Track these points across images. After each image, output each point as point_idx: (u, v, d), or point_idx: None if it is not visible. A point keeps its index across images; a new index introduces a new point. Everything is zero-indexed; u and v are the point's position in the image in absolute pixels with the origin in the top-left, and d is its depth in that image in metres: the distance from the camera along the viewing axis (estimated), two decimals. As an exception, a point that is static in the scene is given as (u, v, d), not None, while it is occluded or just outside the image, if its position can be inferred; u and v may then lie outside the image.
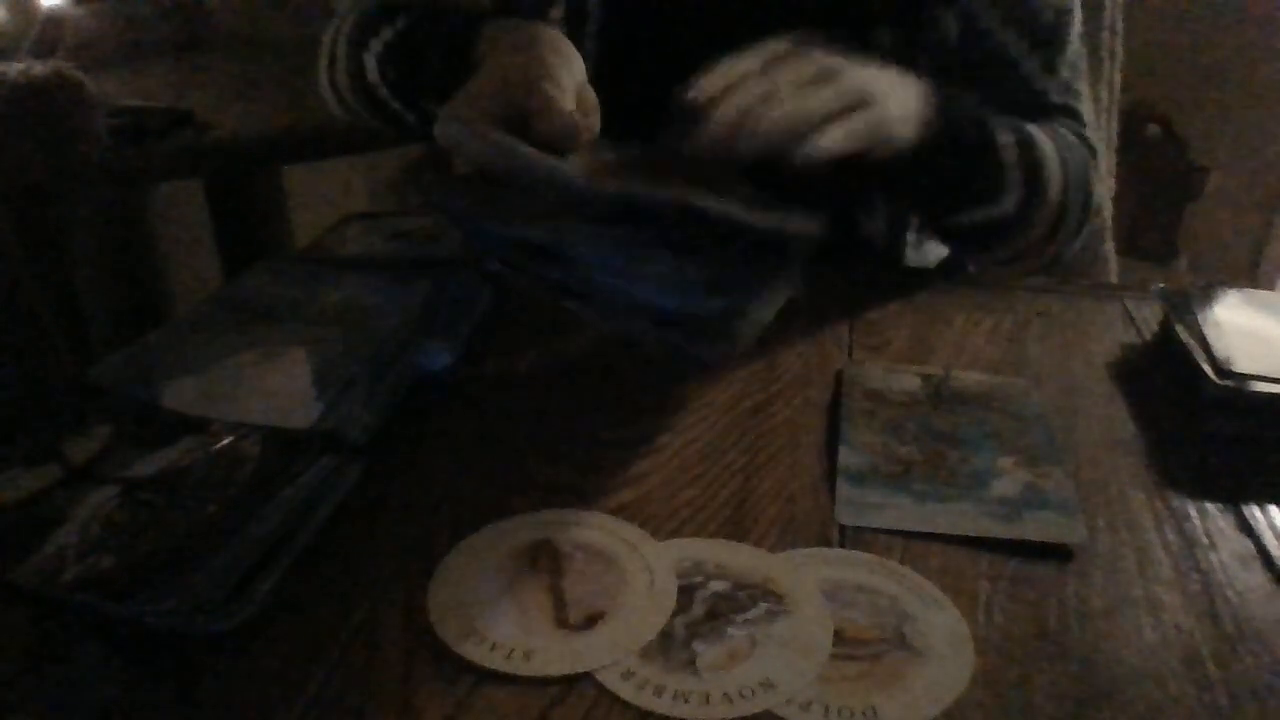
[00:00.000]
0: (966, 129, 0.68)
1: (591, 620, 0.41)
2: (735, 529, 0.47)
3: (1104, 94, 1.05)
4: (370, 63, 0.72)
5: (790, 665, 0.39)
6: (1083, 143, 0.78)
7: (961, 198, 0.70)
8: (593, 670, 0.38)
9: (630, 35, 0.77)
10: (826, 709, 0.37)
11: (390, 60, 0.71)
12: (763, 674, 0.38)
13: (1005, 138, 0.69)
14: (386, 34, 0.71)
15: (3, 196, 1.13)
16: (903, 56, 0.70)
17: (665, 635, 0.40)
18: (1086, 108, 0.81)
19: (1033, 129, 0.72)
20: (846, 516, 0.47)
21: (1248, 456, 0.54)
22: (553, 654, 0.39)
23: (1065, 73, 0.79)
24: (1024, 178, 0.69)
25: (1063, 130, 0.77)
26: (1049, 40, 0.78)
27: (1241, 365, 0.56)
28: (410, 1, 0.73)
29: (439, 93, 0.60)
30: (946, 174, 0.67)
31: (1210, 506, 0.49)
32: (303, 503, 0.46)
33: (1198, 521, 0.48)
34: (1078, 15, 0.79)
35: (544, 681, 0.38)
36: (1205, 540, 0.47)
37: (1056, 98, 0.79)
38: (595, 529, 0.46)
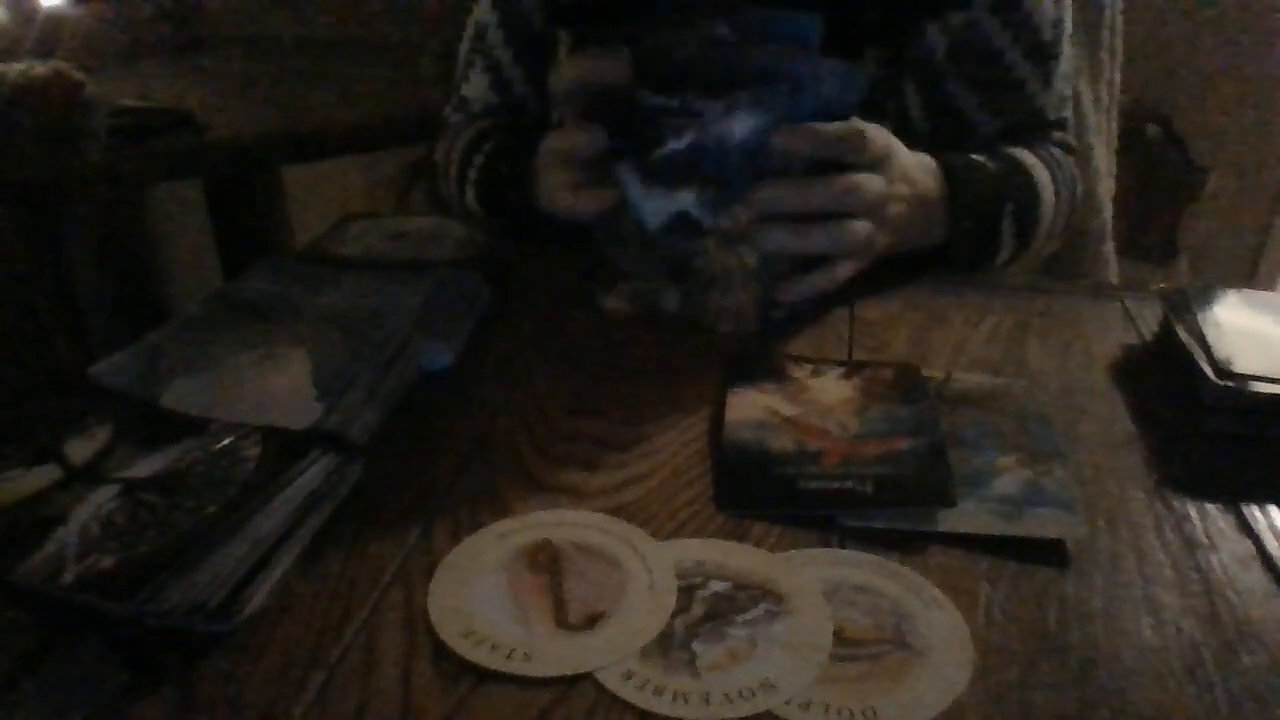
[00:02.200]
0: (979, 225, 0.75)
1: (591, 620, 0.41)
2: (735, 529, 0.47)
3: (1104, 94, 1.05)
4: (470, 196, 0.85)
5: (790, 665, 0.39)
6: (1069, 152, 0.86)
7: (956, 267, 0.77)
8: (593, 670, 0.38)
9: None
10: (826, 709, 0.37)
11: (480, 194, 0.84)
12: (763, 674, 0.38)
13: (1008, 216, 0.76)
14: (473, 174, 0.84)
15: (3, 196, 1.13)
16: (886, 75, 0.75)
17: (665, 635, 0.40)
18: (1070, 105, 0.88)
19: (1033, 171, 0.79)
20: (845, 516, 0.47)
21: (1248, 456, 0.54)
22: (553, 654, 0.39)
23: (1059, 84, 0.84)
24: (1017, 244, 0.78)
25: (1056, 152, 0.84)
26: (1048, 56, 0.81)
27: (1241, 365, 0.56)
28: (496, 126, 0.87)
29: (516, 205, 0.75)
30: (947, 260, 0.75)
31: (1210, 506, 0.49)
32: (303, 503, 0.46)
33: (1198, 521, 0.48)
34: (1068, 23, 0.82)
35: (544, 681, 0.38)
36: (1205, 540, 0.47)
37: (1052, 113, 0.85)
38: (595, 529, 0.46)
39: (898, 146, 0.68)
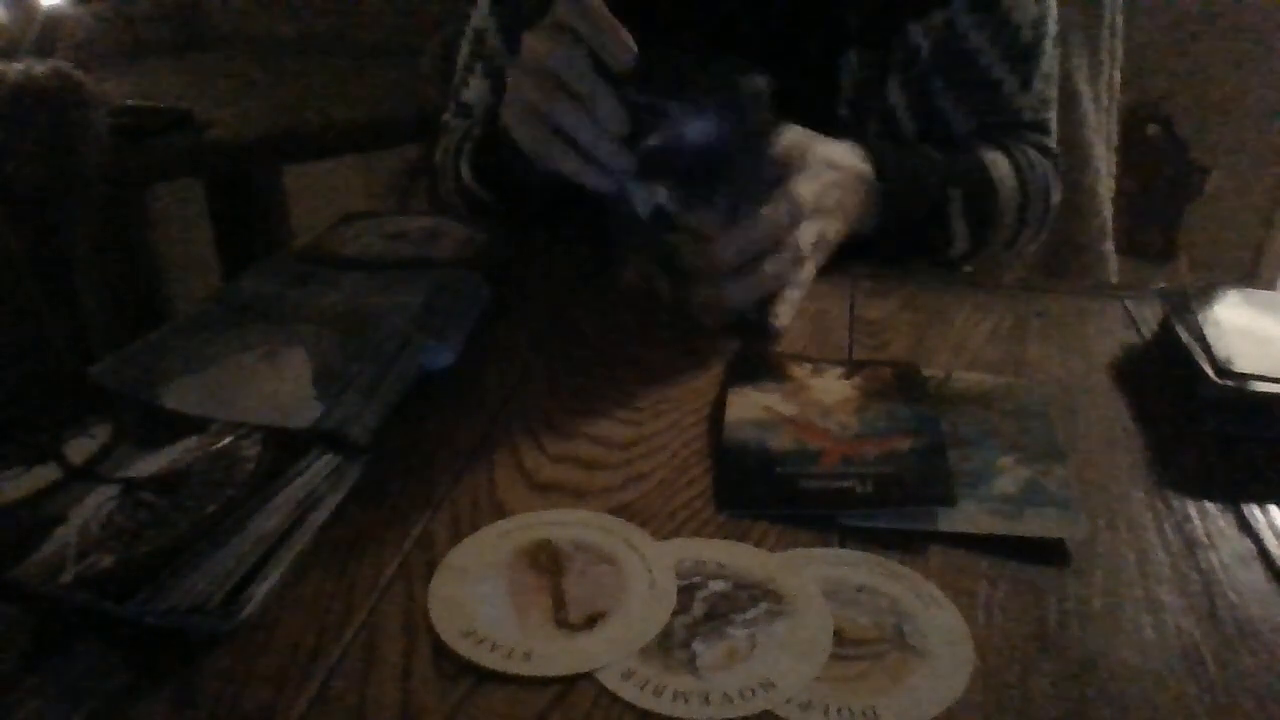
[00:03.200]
0: (916, 206, 0.75)
1: (591, 620, 0.41)
2: (735, 529, 0.47)
3: (1104, 94, 1.05)
4: (464, 168, 0.84)
5: (790, 665, 0.39)
6: (1046, 154, 0.85)
7: (909, 254, 0.77)
8: (593, 670, 0.38)
9: None
10: (826, 709, 0.37)
11: (477, 165, 0.83)
12: (763, 674, 0.38)
13: (955, 200, 0.76)
14: (469, 146, 0.84)
15: (3, 196, 1.13)
16: (871, 76, 0.75)
17: (665, 635, 0.40)
18: (1055, 110, 0.88)
19: (991, 165, 0.79)
20: (845, 516, 0.47)
21: (1248, 456, 0.54)
22: (553, 654, 0.39)
23: (1039, 85, 0.84)
24: (974, 236, 0.78)
25: (1030, 151, 0.83)
26: (1027, 57, 0.81)
27: (1241, 365, 0.56)
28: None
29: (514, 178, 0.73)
30: (896, 246, 0.75)
31: (1210, 506, 0.49)
32: (303, 503, 0.46)
33: (1198, 521, 0.48)
34: (1053, 22, 0.82)
35: (544, 681, 0.38)
36: (1205, 540, 0.47)
37: (1029, 114, 0.84)
38: (595, 529, 0.46)
39: (811, 140, 0.69)
